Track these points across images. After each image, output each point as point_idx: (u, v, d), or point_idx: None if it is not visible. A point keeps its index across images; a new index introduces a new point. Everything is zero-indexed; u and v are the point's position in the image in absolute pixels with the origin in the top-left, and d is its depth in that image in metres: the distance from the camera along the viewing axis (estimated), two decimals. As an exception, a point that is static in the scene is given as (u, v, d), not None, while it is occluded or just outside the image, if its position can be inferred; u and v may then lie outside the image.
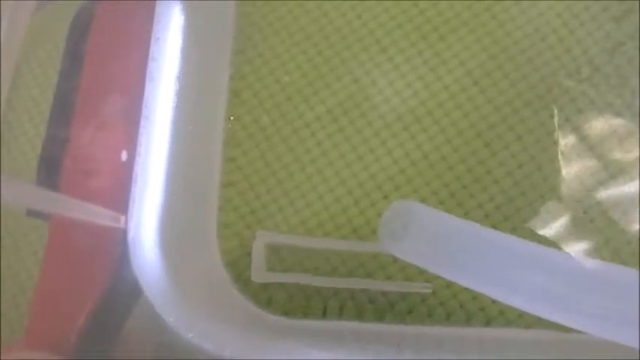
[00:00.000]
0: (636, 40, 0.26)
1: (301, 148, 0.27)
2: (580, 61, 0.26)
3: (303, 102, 0.28)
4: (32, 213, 0.27)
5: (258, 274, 0.26)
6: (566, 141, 0.25)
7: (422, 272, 0.24)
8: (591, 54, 0.26)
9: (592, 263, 0.21)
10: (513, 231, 0.25)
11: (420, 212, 0.22)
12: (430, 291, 0.25)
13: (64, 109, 0.26)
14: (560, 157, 0.25)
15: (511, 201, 0.26)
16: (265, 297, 0.26)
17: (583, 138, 0.25)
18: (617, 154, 0.25)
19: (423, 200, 0.26)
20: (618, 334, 0.19)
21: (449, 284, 0.25)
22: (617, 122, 0.25)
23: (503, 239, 0.20)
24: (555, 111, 0.26)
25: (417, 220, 0.21)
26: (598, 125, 0.25)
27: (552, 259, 0.20)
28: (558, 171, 0.25)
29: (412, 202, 0.24)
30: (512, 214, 0.25)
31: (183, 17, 0.26)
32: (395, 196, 0.26)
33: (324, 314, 0.25)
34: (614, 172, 0.25)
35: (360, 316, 0.25)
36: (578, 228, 0.25)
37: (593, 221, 0.25)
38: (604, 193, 0.25)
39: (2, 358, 0.24)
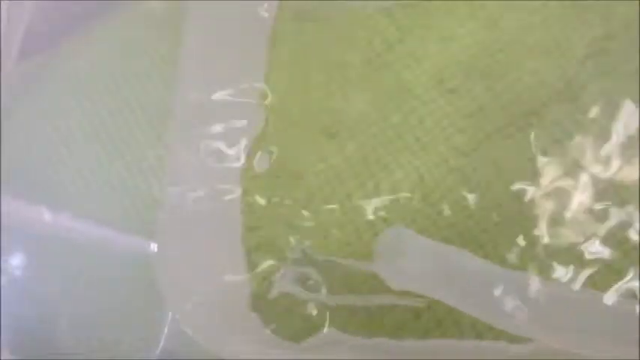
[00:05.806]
0: (598, 80, 0.29)
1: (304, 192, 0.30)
2: (549, 100, 0.29)
3: (310, 153, 0.31)
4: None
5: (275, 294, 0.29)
6: (542, 165, 0.28)
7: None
8: (560, 92, 0.29)
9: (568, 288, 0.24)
10: (495, 251, 0.28)
11: (409, 238, 0.25)
12: (423, 305, 0.28)
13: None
14: (537, 184, 0.28)
15: (496, 225, 0.28)
16: (274, 314, 0.29)
17: (559, 164, 0.28)
18: (586, 180, 0.28)
19: (413, 224, 0.29)
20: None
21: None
22: (585, 150, 0.28)
23: (482, 265, 0.23)
24: (532, 139, 0.28)
25: (406, 246, 0.24)
26: (570, 150, 0.28)
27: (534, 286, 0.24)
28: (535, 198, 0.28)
29: (403, 229, 0.27)
30: (496, 237, 0.28)
31: None
32: (389, 223, 0.29)
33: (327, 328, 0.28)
34: (587, 196, 0.27)
35: (361, 331, 0.28)
36: (558, 253, 0.27)
37: (573, 246, 0.27)
38: (580, 217, 0.27)
39: None
